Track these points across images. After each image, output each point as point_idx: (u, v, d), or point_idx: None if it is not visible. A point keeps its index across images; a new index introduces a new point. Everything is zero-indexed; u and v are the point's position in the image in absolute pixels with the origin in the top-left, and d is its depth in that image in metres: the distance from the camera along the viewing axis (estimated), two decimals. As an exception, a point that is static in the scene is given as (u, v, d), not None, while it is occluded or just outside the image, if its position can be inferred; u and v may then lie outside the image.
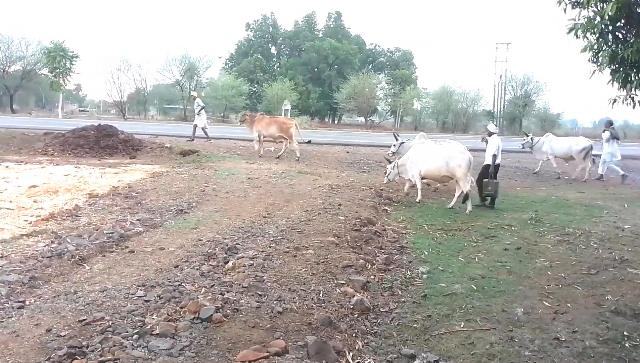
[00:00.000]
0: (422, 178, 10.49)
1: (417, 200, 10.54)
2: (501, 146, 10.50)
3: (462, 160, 9.82)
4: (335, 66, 55.55)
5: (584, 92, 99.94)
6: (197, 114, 19.25)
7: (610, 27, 5.47)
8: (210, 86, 50.45)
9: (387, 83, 54.73)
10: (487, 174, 10.26)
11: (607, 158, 15.13)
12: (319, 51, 54.73)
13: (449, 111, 49.06)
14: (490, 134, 10.70)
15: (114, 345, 3.54)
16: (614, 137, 15.15)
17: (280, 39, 61.93)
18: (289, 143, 16.42)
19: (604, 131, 15.65)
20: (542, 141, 15.85)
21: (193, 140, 18.33)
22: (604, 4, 5.11)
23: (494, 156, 10.22)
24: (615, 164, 15.27)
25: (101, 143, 15.93)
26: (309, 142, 16.78)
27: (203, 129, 19.04)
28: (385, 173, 11.20)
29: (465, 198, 9.80)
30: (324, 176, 12.64)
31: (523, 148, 16.72)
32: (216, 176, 11.40)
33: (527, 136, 16.66)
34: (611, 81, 5.81)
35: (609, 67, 5.73)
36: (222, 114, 48.48)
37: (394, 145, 12.62)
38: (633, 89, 5.78)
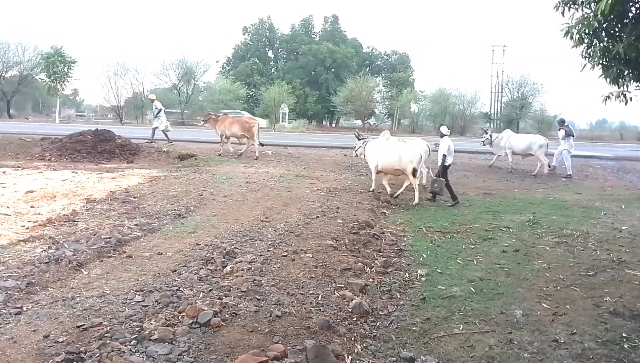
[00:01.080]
0: (379, 171, 11.43)
1: (371, 189, 11.44)
2: (452, 147, 11.24)
3: (414, 157, 10.82)
4: (333, 69, 55.66)
5: (580, 94, 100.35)
6: (156, 117, 19.11)
7: (604, 25, 5.50)
8: (207, 89, 50.49)
9: (384, 86, 54.82)
10: (444, 173, 11.19)
11: (564, 153, 16.17)
12: (316, 54, 54.84)
13: (446, 114, 49.14)
14: (442, 135, 11.38)
15: (112, 351, 3.53)
16: (569, 134, 16.41)
17: (277, 42, 62.02)
18: (252, 141, 16.89)
19: (559, 130, 17.17)
20: (501, 137, 16.84)
21: (152, 142, 18.04)
22: (597, 3, 5.14)
23: (444, 156, 11.03)
24: (566, 159, 16.22)
25: (98, 148, 15.93)
26: (262, 145, 17.28)
27: (164, 131, 18.87)
28: (354, 148, 12.57)
29: (434, 194, 11.05)
30: (321, 180, 12.64)
31: (483, 144, 17.57)
32: (214, 180, 11.39)
33: (486, 133, 17.55)
34: (602, 77, 5.83)
35: (601, 62, 5.76)
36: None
37: (354, 148, 13.02)
38: (625, 85, 5.81)
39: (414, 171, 10.86)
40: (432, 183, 11.38)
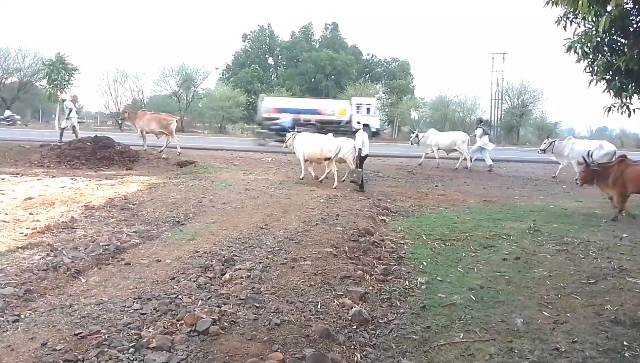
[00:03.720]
0: (306, 160, 13.39)
1: (301, 177, 13.47)
2: (366, 140, 12.76)
3: (332, 147, 12.88)
4: (332, 77, 55.89)
5: (580, 101, 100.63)
6: (67, 118, 18.99)
7: (606, 39, 5.55)
8: (207, 96, 50.59)
9: (384, 93, 54.94)
10: (361, 164, 12.80)
11: (478, 149, 18.31)
12: (316, 61, 55.08)
13: (446, 121, 49.23)
14: (356, 130, 13.04)
15: (110, 359, 3.51)
16: (485, 133, 18.68)
17: (277, 49, 62.28)
18: (170, 138, 17.84)
19: (476, 128, 19.32)
20: (427, 136, 18.37)
21: (61, 142, 17.82)
22: (598, 18, 5.19)
23: (360, 149, 12.52)
24: (484, 155, 18.31)
25: (97, 155, 15.91)
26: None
27: (63, 129, 18.77)
28: (285, 140, 14.38)
29: (354, 182, 12.72)
30: (321, 187, 12.64)
31: (411, 144, 19.26)
32: (213, 187, 11.38)
33: (414, 133, 19.50)
34: (606, 90, 5.87)
35: (604, 77, 5.80)
36: (219, 125, 48.52)
37: (285, 140, 14.75)
38: (628, 97, 5.84)
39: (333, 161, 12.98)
40: (351, 173, 13.27)
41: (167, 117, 18.68)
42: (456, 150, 17.70)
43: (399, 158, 20.96)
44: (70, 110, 19.03)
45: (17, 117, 44.43)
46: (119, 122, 18.82)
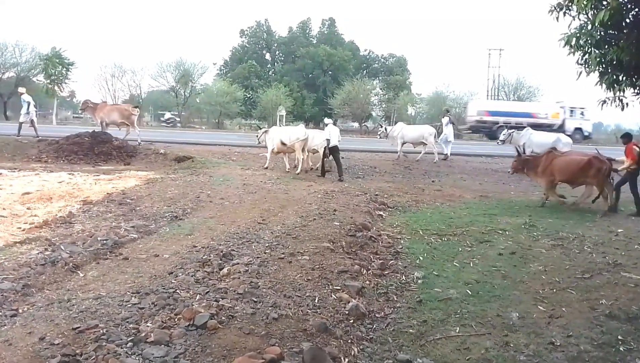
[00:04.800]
0: (278, 152, 14.74)
1: (265, 166, 14.86)
2: (334, 133, 14.00)
3: (299, 137, 14.23)
4: (330, 72, 55.68)
5: (575, 97, 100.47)
6: (26, 112, 18.53)
7: (602, 33, 5.54)
8: (204, 92, 50.40)
9: (381, 89, 54.85)
10: (330, 154, 14.09)
11: (443, 138, 19.00)
12: (313, 57, 54.87)
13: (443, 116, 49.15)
14: (326, 124, 14.53)
15: (108, 353, 3.53)
16: (452, 122, 19.46)
17: (275, 45, 62.01)
18: (131, 129, 18.00)
19: (443, 117, 20.08)
20: (394, 128, 18.70)
21: (37, 136, 17.71)
22: (596, 11, 5.18)
23: (328, 140, 13.85)
24: (446, 144, 18.97)
25: (95, 150, 15.88)
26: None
27: (21, 123, 18.44)
28: (257, 136, 15.78)
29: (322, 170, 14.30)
30: (318, 182, 12.66)
31: (380, 137, 19.74)
32: (211, 182, 11.38)
33: (382, 126, 20.19)
34: (599, 83, 5.87)
35: (597, 69, 5.80)
36: (216, 120, 48.42)
37: (257, 136, 15.97)
38: (621, 90, 5.85)
39: (299, 148, 14.36)
40: (324, 164, 14.48)
41: (128, 108, 18.79)
42: (424, 143, 18.14)
43: (395, 154, 20.95)
44: (29, 104, 18.68)
45: (177, 119, 44.75)
46: (79, 112, 18.78)
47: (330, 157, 14.31)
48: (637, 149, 10.14)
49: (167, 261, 5.69)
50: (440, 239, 7.93)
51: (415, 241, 7.81)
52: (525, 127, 18.01)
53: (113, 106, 18.54)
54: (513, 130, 17.22)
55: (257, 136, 15.94)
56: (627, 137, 10.68)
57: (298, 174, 14.10)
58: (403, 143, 18.17)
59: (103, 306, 4.29)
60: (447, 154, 18.82)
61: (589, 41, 5.61)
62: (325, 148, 14.08)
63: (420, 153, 18.27)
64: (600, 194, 10.48)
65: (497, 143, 17.94)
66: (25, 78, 47.61)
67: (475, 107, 37.17)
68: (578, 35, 5.58)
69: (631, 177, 10.32)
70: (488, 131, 35.16)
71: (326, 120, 15.25)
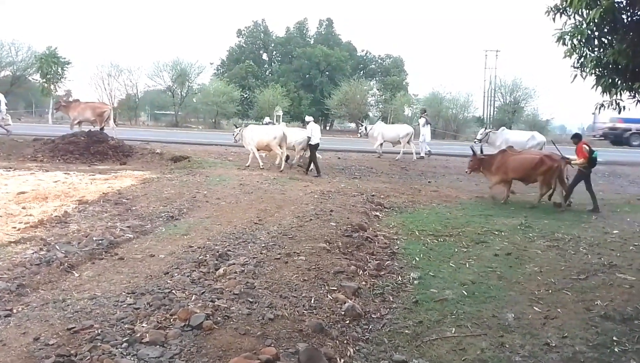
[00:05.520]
0: (258, 149, 15.10)
1: (247, 165, 15.00)
2: (315, 131, 14.84)
3: (275, 137, 14.68)
4: (327, 73, 55.65)
5: (571, 98, 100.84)
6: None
7: (596, 33, 5.56)
8: (201, 91, 50.27)
9: (378, 90, 54.80)
10: (309, 151, 14.88)
11: (421, 138, 19.49)
12: (310, 57, 54.84)
13: (439, 118, 49.18)
14: (307, 122, 15.20)
15: (103, 354, 3.51)
16: (428, 123, 20.00)
17: (272, 45, 61.93)
18: (106, 125, 18.00)
19: (420, 117, 20.79)
20: (374, 128, 19.22)
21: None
22: (589, 10, 5.20)
23: (309, 138, 14.72)
24: (425, 144, 19.53)
25: (91, 149, 15.84)
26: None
27: None
28: (234, 135, 16.19)
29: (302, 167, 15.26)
30: (315, 182, 12.65)
31: (360, 136, 20.53)
32: (207, 182, 11.36)
33: (362, 125, 20.55)
34: (595, 86, 5.88)
35: (594, 72, 5.81)
36: (213, 120, 48.31)
37: (233, 134, 16.36)
38: (618, 94, 5.86)
39: (276, 147, 14.80)
40: (298, 159, 15.71)
41: (101, 105, 18.90)
42: (401, 142, 18.66)
43: (392, 154, 20.99)
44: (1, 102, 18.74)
45: (273, 123, 44.52)
46: (53, 111, 18.74)
47: (307, 154, 15.20)
48: (587, 148, 10.81)
49: (163, 262, 5.67)
50: (437, 240, 7.94)
51: (411, 241, 7.82)
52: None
53: (86, 104, 18.45)
54: (490, 130, 17.92)
55: (233, 135, 16.33)
56: (577, 137, 11.39)
57: (281, 171, 14.44)
58: (382, 142, 18.59)
59: (98, 307, 4.27)
60: (424, 154, 19.24)
61: (582, 40, 5.62)
62: (306, 146, 14.92)
63: (399, 152, 18.59)
64: (552, 191, 11.13)
65: (475, 141, 18.23)
66: (21, 77, 47.42)
67: (608, 115, 37.18)
68: (572, 33, 5.59)
69: (584, 176, 10.98)
70: (617, 138, 34.69)
71: (307, 118, 15.83)
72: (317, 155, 15.19)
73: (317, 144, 14.86)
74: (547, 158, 10.90)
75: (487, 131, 17.56)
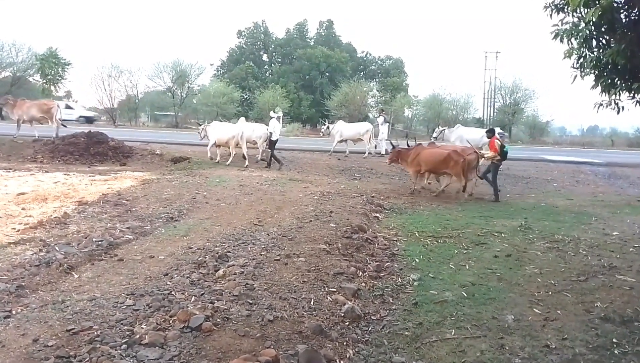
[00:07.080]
0: (218, 146, 15.87)
1: (209, 157, 15.84)
2: (277, 127, 15.85)
3: (235, 134, 15.48)
4: (327, 74, 55.67)
5: (571, 100, 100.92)
6: None
7: (595, 33, 5.55)
8: (201, 92, 50.27)
9: (378, 91, 54.77)
10: (271, 146, 15.90)
11: (380, 136, 20.21)
12: (310, 58, 54.86)
13: (440, 119, 49.17)
14: (271, 118, 16.11)
15: (102, 355, 3.51)
16: (386, 121, 21.38)
17: (272, 46, 61.96)
18: (52, 122, 17.90)
19: (379, 116, 21.73)
20: (334, 127, 19.90)
21: None
22: (587, 9, 5.19)
23: (271, 133, 15.68)
24: (384, 142, 19.79)
25: (91, 150, 15.83)
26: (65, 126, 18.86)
27: None
28: (199, 133, 17.04)
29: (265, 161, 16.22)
30: (315, 184, 12.65)
31: (323, 135, 21.64)
32: (207, 184, 11.36)
33: (324, 124, 21.54)
34: (594, 86, 5.88)
35: (593, 72, 5.80)
36: (213, 121, 48.31)
37: (198, 131, 17.28)
38: (617, 94, 5.85)
39: (240, 143, 15.58)
40: (262, 154, 16.62)
41: (47, 102, 18.79)
42: (361, 140, 19.12)
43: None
44: None
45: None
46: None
47: (267, 148, 16.22)
48: (499, 143, 12.05)
49: (163, 263, 5.67)
50: (436, 241, 7.93)
51: (411, 243, 7.82)
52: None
53: (32, 103, 18.35)
54: (445, 127, 18.96)
55: (198, 132, 17.10)
56: (491, 132, 12.73)
57: (228, 164, 15.36)
58: (341, 140, 19.19)
59: (97, 308, 4.27)
60: (382, 151, 19.61)
61: (580, 38, 5.60)
62: (268, 141, 15.84)
63: (365, 152, 19.16)
64: (465, 183, 12.00)
65: (431, 139, 18.65)
66: (21, 78, 47.39)
67: None
68: (570, 33, 5.58)
69: (494, 167, 12.29)
70: None
71: (272, 114, 16.58)
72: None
73: (276, 141, 15.91)
74: (454, 153, 11.87)
75: (442, 129, 18.66)
